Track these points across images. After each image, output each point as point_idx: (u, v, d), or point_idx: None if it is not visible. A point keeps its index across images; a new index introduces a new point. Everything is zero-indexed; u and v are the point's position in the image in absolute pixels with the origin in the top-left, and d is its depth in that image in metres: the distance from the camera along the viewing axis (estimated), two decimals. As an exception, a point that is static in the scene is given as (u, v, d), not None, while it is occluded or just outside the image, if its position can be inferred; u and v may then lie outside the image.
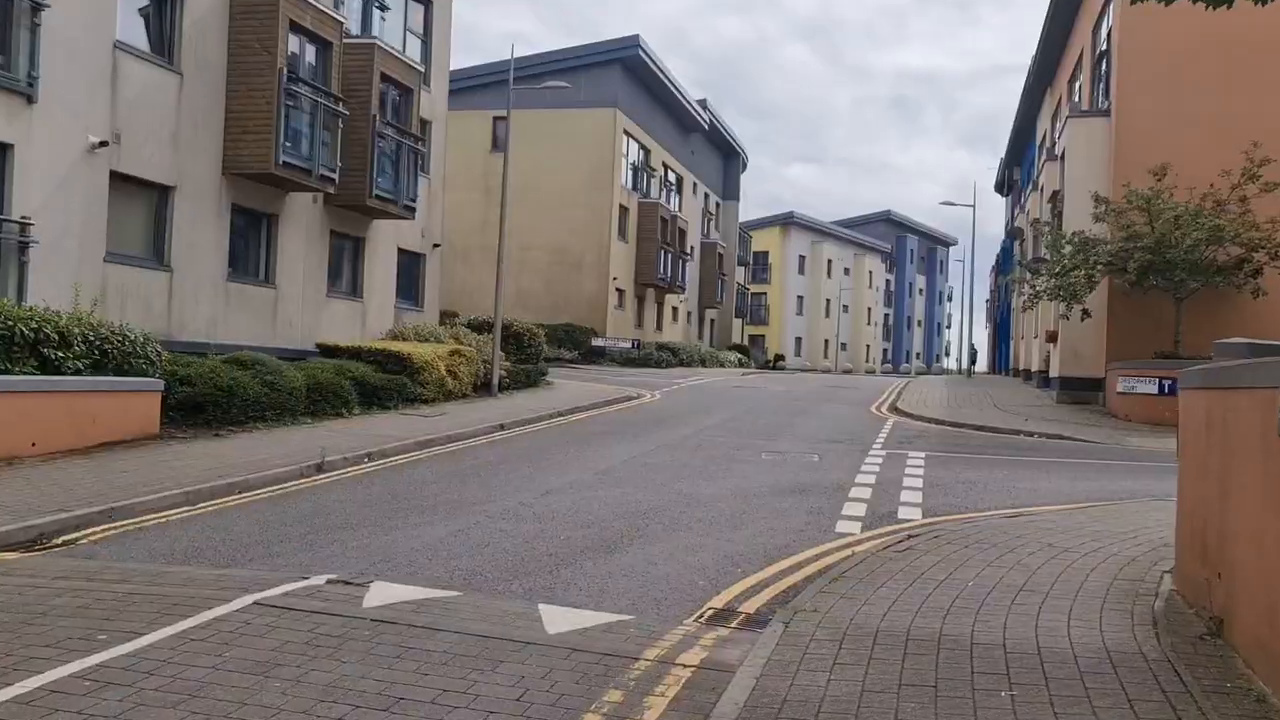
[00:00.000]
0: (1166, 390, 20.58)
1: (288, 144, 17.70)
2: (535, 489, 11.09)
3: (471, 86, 40.05)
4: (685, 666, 5.44)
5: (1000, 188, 57.34)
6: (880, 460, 14.28)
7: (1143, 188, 21.39)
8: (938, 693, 4.91)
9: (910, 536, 8.79)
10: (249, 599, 6.33)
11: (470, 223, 40.52)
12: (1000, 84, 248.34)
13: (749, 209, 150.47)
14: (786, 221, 79.36)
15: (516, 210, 40.98)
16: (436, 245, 25.74)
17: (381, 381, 18.32)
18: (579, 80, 40.38)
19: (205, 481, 10.39)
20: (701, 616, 6.60)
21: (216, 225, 17.44)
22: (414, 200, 22.25)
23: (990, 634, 5.85)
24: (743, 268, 64.00)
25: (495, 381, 22.35)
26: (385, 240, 23.01)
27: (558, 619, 6.25)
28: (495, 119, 40.99)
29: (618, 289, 41.59)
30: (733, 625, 6.40)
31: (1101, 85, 25.83)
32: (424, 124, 24.77)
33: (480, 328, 25.29)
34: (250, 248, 18.80)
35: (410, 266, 24.83)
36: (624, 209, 41.89)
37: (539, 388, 25.12)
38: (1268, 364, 5.10)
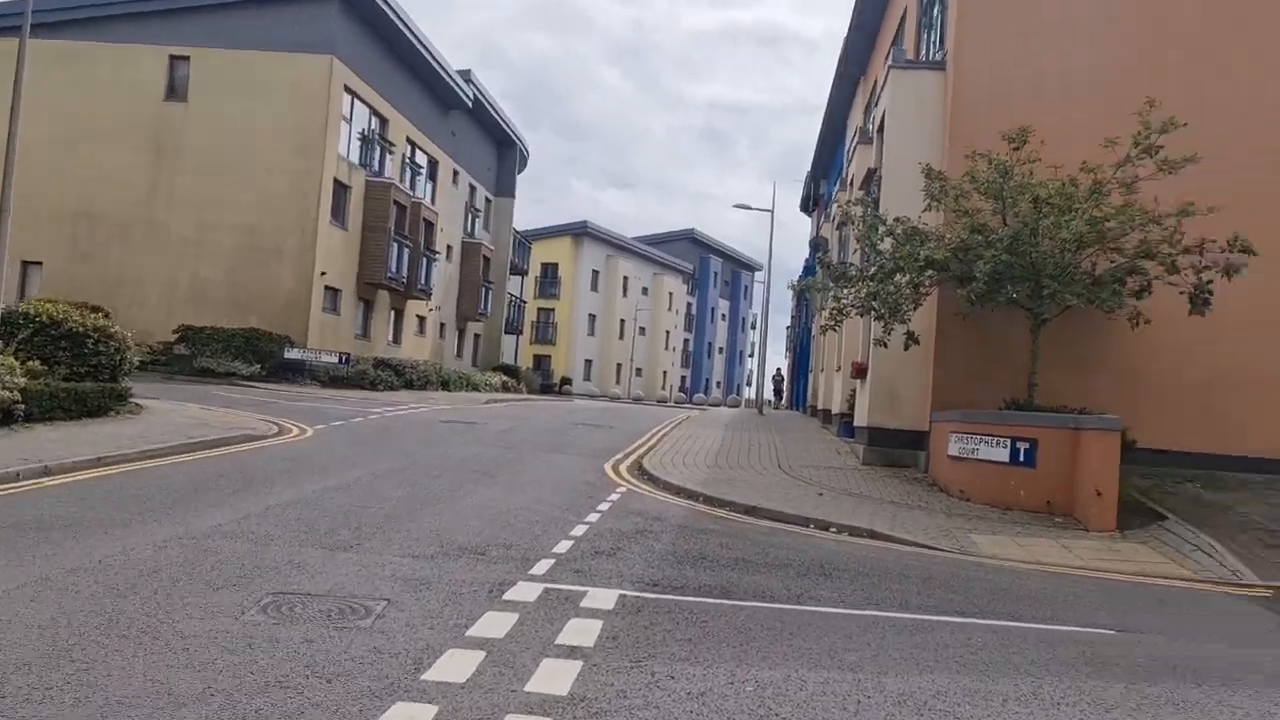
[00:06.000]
0: (1021, 458, 13.85)
1: None
2: None
3: (138, 13, 30.61)
4: None
5: (806, 205, 51.76)
6: (510, 625, 6.52)
7: (994, 155, 14.73)
8: None
9: None
10: None
11: (134, 190, 31.00)
12: (809, 123, 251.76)
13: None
14: (579, 231, 72.08)
15: (197, 176, 31.42)
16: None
17: None
18: (285, 16, 31.55)
19: None
20: None
21: None
22: None
23: None
24: (519, 276, 56.02)
25: (-14, 408, 13.49)
26: None
27: None
28: (174, 58, 31.55)
29: (329, 287, 32.71)
30: None
31: (935, 34, 19.31)
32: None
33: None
34: None
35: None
36: (343, 186, 33.12)
37: (111, 416, 16.40)
38: None
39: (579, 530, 10.25)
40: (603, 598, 7.42)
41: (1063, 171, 14.65)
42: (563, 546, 9.33)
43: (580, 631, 6.46)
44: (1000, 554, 11.07)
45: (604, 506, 12.10)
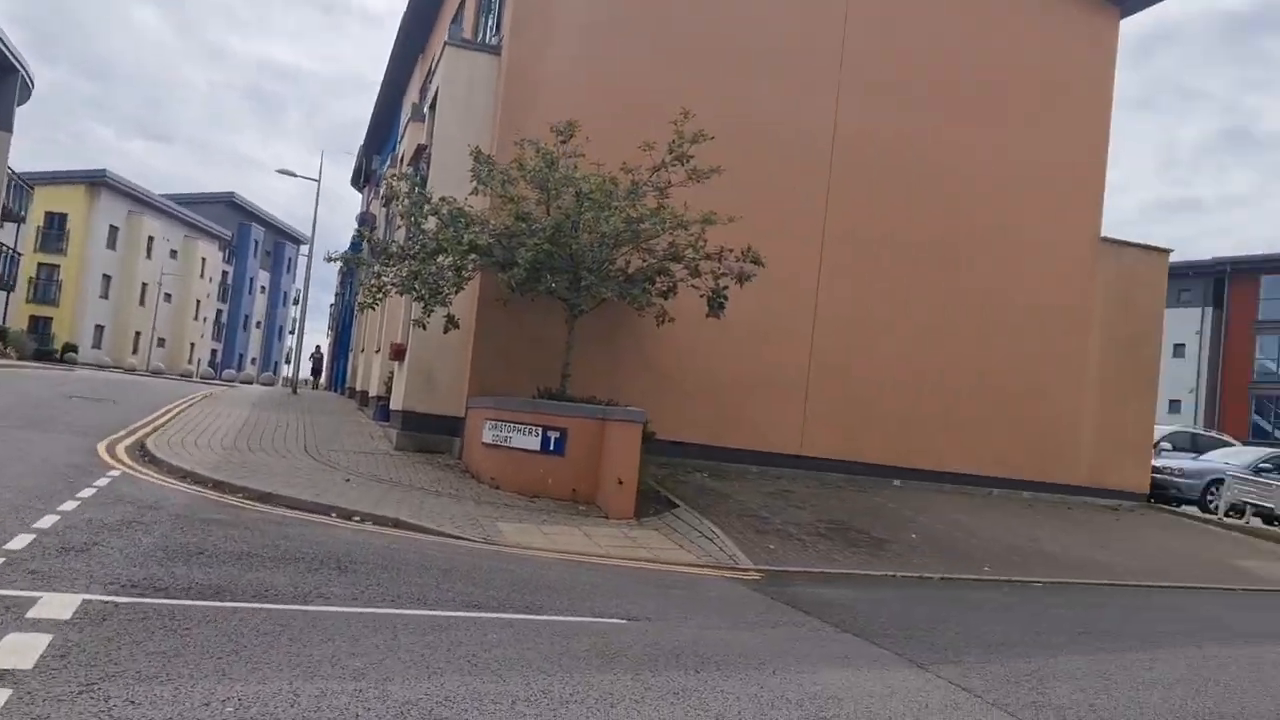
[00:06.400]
0: (552, 446, 14.06)
1: None
2: None
3: None
4: None
5: (358, 179, 49.98)
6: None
7: (543, 144, 14.82)
8: None
9: None
10: None
11: None
12: (367, 97, 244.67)
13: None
14: (97, 180, 63.93)
15: None
16: None
17: None
18: None
19: None
20: None
21: None
22: None
23: None
24: (15, 224, 48.40)
25: None
26: None
27: None
28: None
29: None
30: None
31: (493, 18, 19.18)
32: None
33: None
34: None
35: None
36: None
37: None
38: None
39: (47, 521, 8.63)
40: (59, 605, 6.16)
41: (605, 169, 15.08)
42: (20, 542, 7.74)
43: (18, 650, 5.24)
44: (525, 543, 11.04)
45: (87, 493, 10.39)
